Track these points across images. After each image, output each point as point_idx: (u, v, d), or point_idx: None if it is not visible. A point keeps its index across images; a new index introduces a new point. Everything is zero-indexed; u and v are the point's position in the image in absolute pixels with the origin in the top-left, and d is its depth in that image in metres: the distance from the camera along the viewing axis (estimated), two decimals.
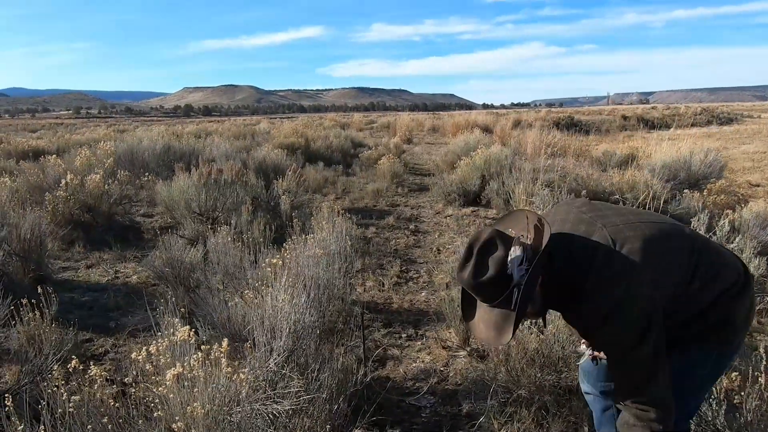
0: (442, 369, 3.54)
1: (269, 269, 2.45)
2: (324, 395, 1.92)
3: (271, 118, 50.51)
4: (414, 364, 3.60)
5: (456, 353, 3.70)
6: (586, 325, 1.74)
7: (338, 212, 4.51)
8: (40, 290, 2.76)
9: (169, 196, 6.31)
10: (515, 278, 1.60)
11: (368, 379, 2.49)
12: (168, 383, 1.59)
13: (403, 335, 4.05)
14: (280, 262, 2.43)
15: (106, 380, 3.13)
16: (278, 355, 1.92)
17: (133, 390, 1.86)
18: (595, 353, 2.03)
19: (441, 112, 68.78)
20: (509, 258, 1.59)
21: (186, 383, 1.61)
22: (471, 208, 8.37)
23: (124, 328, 3.97)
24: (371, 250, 6.06)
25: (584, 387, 2.31)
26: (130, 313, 4.27)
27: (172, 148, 10.62)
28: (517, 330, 1.78)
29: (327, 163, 12.05)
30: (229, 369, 1.68)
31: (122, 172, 7.33)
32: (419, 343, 3.94)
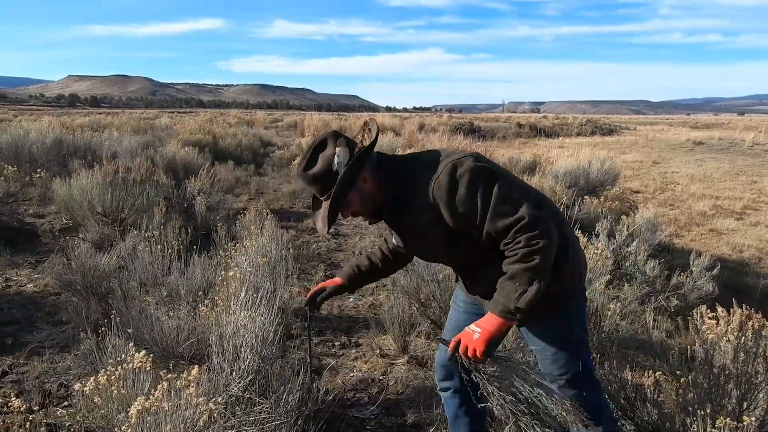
0: (381, 378, 3.47)
1: (224, 281, 2.24)
2: (291, 419, 1.78)
3: (169, 112, 47.99)
4: (351, 374, 3.50)
5: (394, 360, 3.66)
6: (435, 207, 1.79)
7: (266, 215, 4.31)
8: None
9: (69, 196, 5.74)
10: (339, 173, 1.81)
11: (330, 397, 2.36)
12: (131, 420, 1.38)
13: (337, 343, 3.94)
14: (238, 274, 2.23)
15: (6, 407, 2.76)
16: (241, 379, 1.76)
17: (75, 421, 1.62)
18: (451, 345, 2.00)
19: (346, 113, 68.86)
20: (335, 156, 1.81)
21: (150, 418, 1.41)
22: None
23: (25, 345, 3.52)
24: (294, 255, 5.88)
25: (441, 384, 2.36)
26: (32, 328, 3.80)
27: (64, 141, 9.72)
28: (335, 220, 1.91)
29: (237, 162, 11.59)
30: (200, 400, 1.50)
31: (8, 167, 6.57)
32: (354, 351, 3.85)
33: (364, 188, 1.89)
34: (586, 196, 8.95)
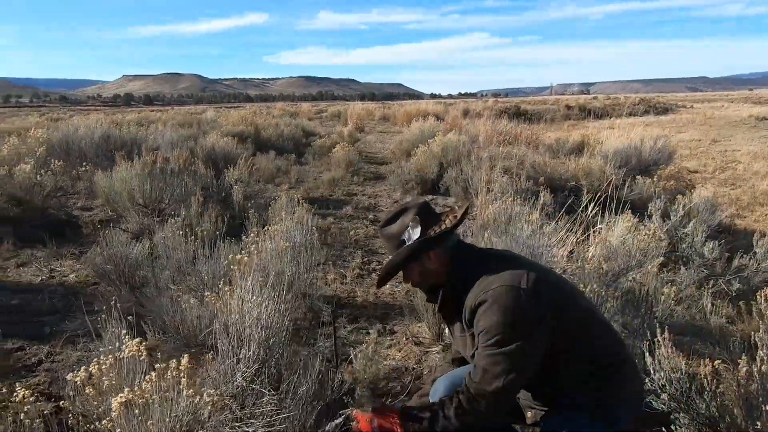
0: (415, 366, 3.33)
1: (233, 267, 2.15)
2: (300, 411, 1.67)
3: (216, 107, 49.12)
4: (385, 362, 3.37)
5: (429, 349, 3.51)
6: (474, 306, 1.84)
7: (298, 201, 4.21)
8: None
9: (110, 187, 5.83)
10: (406, 243, 1.93)
11: (346, 387, 2.23)
12: (114, 413, 1.30)
13: (371, 331, 3.82)
14: (246, 258, 2.14)
15: (41, 395, 2.77)
16: (247, 368, 1.65)
17: (70, 411, 1.55)
18: None
19: (390, 102, 68.60)
20: (408, 227, 1.93)
21: (137, 411, 1.33)
22: (430, 197, 8.20)
23: (62, 334, 3.55)
24: (330, 242, 5.79)
25: None
26: (69, 317, 3.84)
27: (111, 136, 9.94)
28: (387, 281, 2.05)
29: (278, 152, 11.60)
30: (191, 391, 1.40)
31: (56, 162, 6.74)
32: (389, 339, 3.72)
33: (428, 265, 1.96)
34: (638, 176, 8.49)
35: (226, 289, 1.94)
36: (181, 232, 3.50)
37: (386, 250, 2.11)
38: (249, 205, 5.46)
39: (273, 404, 1.57)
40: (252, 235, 3.09)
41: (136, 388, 1.34)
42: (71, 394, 1.55)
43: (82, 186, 7.77)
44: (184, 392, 1.39)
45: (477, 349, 1.85)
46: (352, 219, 6.95)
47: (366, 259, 5.39)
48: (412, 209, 1.99)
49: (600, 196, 4.84)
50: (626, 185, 7.76)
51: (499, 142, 10.97)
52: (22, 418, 1.52)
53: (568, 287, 1.98)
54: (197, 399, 1.41)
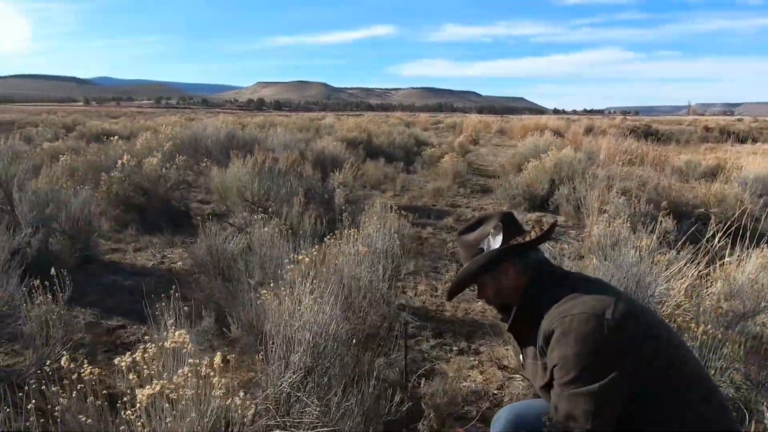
0: (495, 392, 3.11)
1: (292, 266, 2.11)
2: (347, 427, 1.57)
3: (338, 115, 50.93)
4: (464, 384, 3.19)
5: (513, 375, 3.26)
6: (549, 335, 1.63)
7: (391, 208, 4.15)
8: (53, 271, 2.54)
9: (222, 183, 6.16)
10: (480, 255, 1.78)
11: (405, 409, 2.10)
12: (141, 404, 1.28)
13: (454, 348, 3.65)
14: (306, 259, 2.09)
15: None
16: (293, 373, 1.59)
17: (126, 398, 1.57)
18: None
19: (510, 116, 67.24)
20: (488, 235, 1.79)
21: (167, 405, 1.30)
22: (537, 213, 7.82)
23: (156, 317, 3.76)
24: (425, 252, 5.67)
25: None
26: (167, 302, 4.07)
27: (235, 136, 10.61)
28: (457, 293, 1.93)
29: (388, 160, 11.71)
30: (221, 389, 1.36)
31: (180, 156, 7.26)
32: (471, 359, 3.53)
33: (503, 280, 1.80)
34: None
35: (284, 289, 1.89)
36: (277, 230, 3.57)
37: (462, 260, 1.89)
38: (347, 208, 5.50)
39: (316, 416, 1.49)
40: (332, 238, 3.06)
41: (165, 381, 1.33)
42: (118, 379, 1.58)
43: (203, 181, 8.32)
44: (216, 391, 1.35)
45: (550, 381, 1.64)
46: (451, 231, 6.78)
47: None
48: (495, 217, 1.85)
49: (732, 227, 4.28)
50: (766, 217, 6.87)
51: (622, 161, 10.24)
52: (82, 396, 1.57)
53: (664, 331, 1.69)
54: (229, 400, 1.37)
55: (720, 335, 2.55)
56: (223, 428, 1.34)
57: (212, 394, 1.36)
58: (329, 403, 1.59)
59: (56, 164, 5.95)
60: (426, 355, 3.53)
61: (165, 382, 1.33)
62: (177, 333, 1.48)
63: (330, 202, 6.47)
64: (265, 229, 3.45)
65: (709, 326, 2.53)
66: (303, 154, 8.01)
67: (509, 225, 1.82)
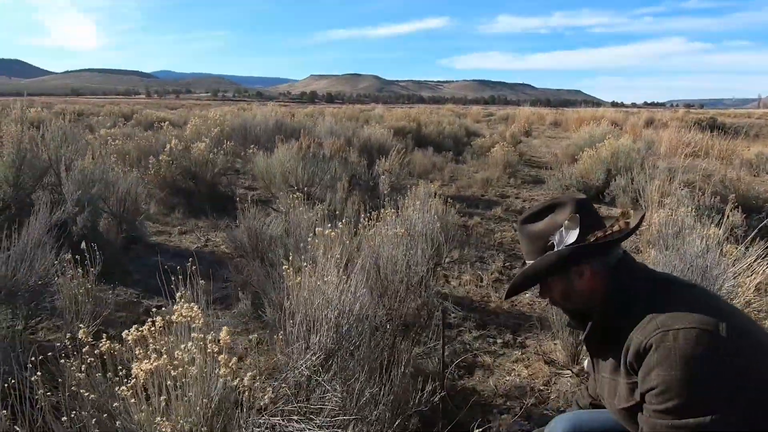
0: (542, 388, 2.91)
1: (315, 239, 1.97)
2: (373, 416, 1.42)
3: (389, 107, 50.95)
4: (508, 378, 3.00)
5: (560, 371, 3.05)
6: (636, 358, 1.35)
7: (435, 194, 3.98)
8: (83, 246, 2.51)
9: (267, 168, 6.13)
10: (553, 249, 1.48)
11: (437, 398, 1.94)
12: (138, 379, 1.18)
13: (499, 341, 3.46)
14: (333, 233, 1.95)
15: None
16: (313, 355, 1.46)
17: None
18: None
19: (565, 108, 65.20)
20: (560, 227, 1.48)
21: (169, 383, 1.20)
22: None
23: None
24: (471, 241, 5.47)
25: None
26: (206, 284, 4.05)
27: (284, 125, 10.64)
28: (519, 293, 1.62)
29: (437, 149, 11.49)
30: (227, 369, 1.24)
31: (228, 142, 7.30)
32: (517, 352, 3.33)
33: (576, 283, 1.51)
34: None
35: (306, 264, 1.76)
36: (305, 210, 3.47)
37: (524, 254, 1.60)
38: (392, 195, 5.36)
39: (336, 402, 1.36)
40: (368, 219, 2.92)
41: (165, 357, 1.22)
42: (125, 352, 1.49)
43: (250, 167, 8.37)
44: (221, 370, 1.23)
45: (637, 405, 1.37)
46: (500, 221, 6.55)
47: (508, 263, 4.99)
48: (569, 205, 1.52)
49: None
50: None
51: (684, 153, 9.68)
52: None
53: None
54: (237, 381, 1.26)
55: None
56: (233, 413, 1.23)
57: (218, 372, 1.25)
58: (352, 390, 1.45)
59: (105, 146, 6.06)
60: (468, 346, 3.36)
61: (165, 357, 1.23)
62: (185, 305, 1.36)
63: (375, 189, 6.35)
64: (303, 209, 3.35)
65: None
66: (349, 141, 7.91)
67: (586, 215, 1.51)
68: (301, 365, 1.43)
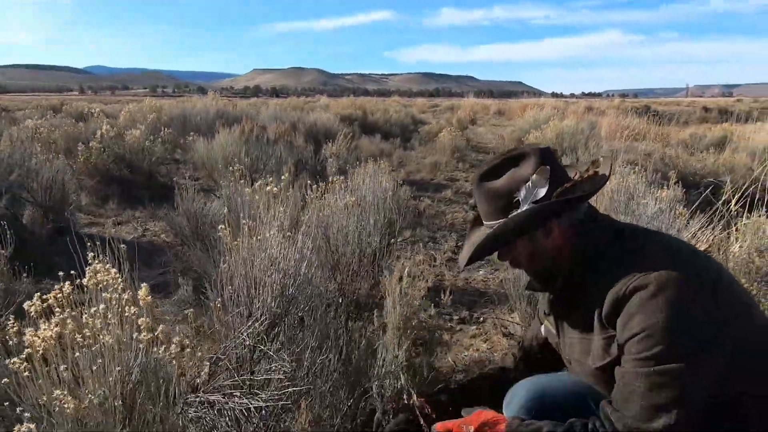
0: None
1: (257, 196, 1.80)
2: (327, 388, 1.27)
3: (336, 99, 50.48)
4: (466, 353, 2.92)
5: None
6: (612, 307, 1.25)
7: (385, 168, 3.86)
8: None
9: (208, 154, 5.84)
10: (520, 207, 1.33)
11: (393, 370, 1.80)
12: (34, 349, 0.98)
13: (455, 317, 3.37)
14: (275, 189, 1.77)
15: None
16: (256, 322, 1.28)
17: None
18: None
19: (508, 99, 66.56)
20: (527, 184, 1.32)
21: (77, 353, 1.00)
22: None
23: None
24: (424, 222, 5.39)
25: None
26: (143, 272, 3.78)
27: (226, 113, 10.26)
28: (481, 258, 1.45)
29: (384, 137, 11.36)
30: (148, 334, 1.06)
31: (166, 129, 6.92)
32: (474, 327, 3.25)
33: (544, 243, 1.38)
34: None
35: (245, 222, 1.58)
36: (251, 191, 3.27)
37: (482, 214, 1.42)
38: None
39: (285, 372, 1.19)
40: (315, 191, 2.75)
41: (70, 322, 1.02)
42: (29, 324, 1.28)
43: (191, 156, 8.01)
44: (141, 335, 1.05)
45: (615, 360, 1.28)
46: (450, 203, 6.50)
47: (460, 243, 4.92)
48: (533, 156, 1.35)
49: (745, 192, 4.00)
50: None
51: (624, 137, 9.97)
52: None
53: (746, 297, 1.33)
54: (162, 348, 1.08)
55: (756, 292, 2.27)
56: (161, 389, 1.05)
57: (137, 337, 1.06)
58: (302, 360, 1.28)
59: (21, 128, 5.61)
60: (424, 324, 3.25)
61: (71, 323, 1.03)
62: (97, 265, 1.15)
63: (322, 173, 6.16)
64: (243, 182, 3.15)
65: (743, 281, 2.25)
66: (294, 126, 7.68)
67: (554, 167, 1.36)
68: (243, 334, 1.26)
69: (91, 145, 5.62)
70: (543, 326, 1.65)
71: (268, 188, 1.75)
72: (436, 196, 6.78)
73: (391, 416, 1.87)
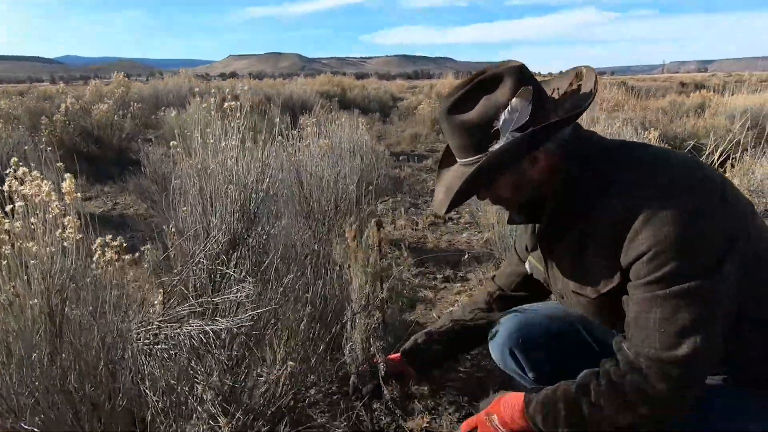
0: None
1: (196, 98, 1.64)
2: (298, 313, 1.13)
3: (312, 78, 49.92)
4: (450, 309, 2.81)
5: None
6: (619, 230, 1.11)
7: (362, 122, 3.72)
8: None
9: (181, 124, 5.63)
10: (500, 138, 1.15)
11: (386, 292, 1.67)
12: None
13: (439, 276, 3.27)
14: (233, 103, 1.63)
15: None
16: (215, 242, 1.14)
17: None
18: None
19: None
20: (506, 110, 1.13)
21: None
22: None
23: None
24: (405, 190, 5.27)
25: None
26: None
27: (198, 90, 9.98)
28: (462, 202, 1.26)
29: (363, 112, 11.19)
30: (75, 232, 0.91)
31: (136, 104, 6.67)
32: (458, 285, 3.15)
33: (529, 173, 1.22)
34: None
35: (198, 135, 1.44)
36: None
37: (455, 150, 1.25)
38: None
39: (248, 294, 1.05)
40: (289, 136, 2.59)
41: None
42: None
43: (162, 132, 7.77)
44: (66, 232, 0.90)
45: (617, 290, 1.15)
46: (431, 171, 6.39)
47: None
48: (508, 77, 1.16)
49: (725, 153, 3.97)
50: (759, 149, 6.59)
51: (602, 108, 9.94)
52: None
53: (751, 209, 1.19)
54: (94, 258, 0.94)
55: None
56: (98, 307, 0.91)
57: (62, 235, 0.91)
58: (268, 281, 1.14)
59: None
60: (408, 282, 3.15)
61: None
62: (32, 180, 0.98)
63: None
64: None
65: None
66: (269, 98, 7.46)
67: (534, 86, 1.17)
68: (199, 254, 1.12)
69: (55, 118, 5.37)
70: (527, 263, 1.52)
71: (226, 104, 1.59)
72: (417, 165, 6.66)
73: (367, 379, 1.78)
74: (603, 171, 1.18)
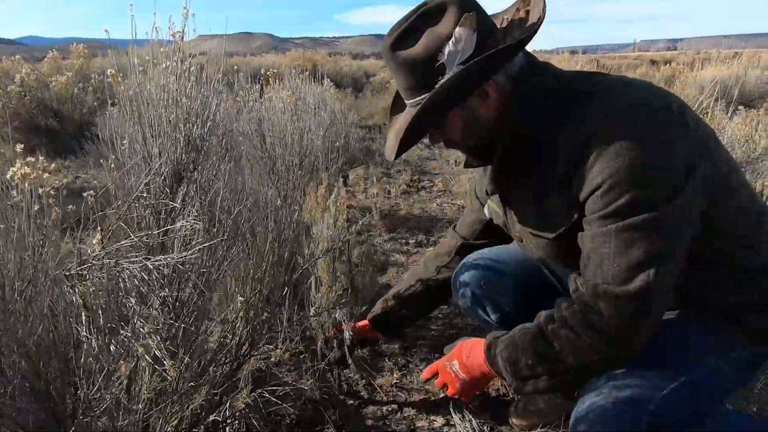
0: None
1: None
2: (263, 248, 1.03)
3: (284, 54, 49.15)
4: (415, 265, 2.77)
5: None
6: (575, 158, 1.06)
7: (329, 84, 3.61)
8: None
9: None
10: (446, 71, 1.08)
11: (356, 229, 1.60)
12: None
13: (411, 241, 3.21)
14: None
15: None
16: (156, 174, 1.03)
17: None
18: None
19: None
20: (451, 41, 1.06)
21: None
22: None
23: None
24: (377, 160, 5.18)
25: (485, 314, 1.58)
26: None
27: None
28: (413, 144, 1.21)
29: (337, 87, 11.00)
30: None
31: (97, 77, 6.40)
32: (431, 249, 3.10)
33: (480, 109, 1.15)
34: (740, 107, 7.31)
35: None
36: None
37: (401, 90, 1.18)
38: None
39: (196, 230, 0.97)
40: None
41: None
42: None
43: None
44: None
45: (575, 227, 1.09)
46: None
47: (416, 177, 4.75)
48: (451, 7, 1.08)
49: None
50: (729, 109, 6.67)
51: None
52: None
53: (714, 136, 1.14)
54: (8, 175, 0.86)
55: None
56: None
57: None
58: (215, 216, 1.03)
59: None
60: (380, 248, 3.08)
61: None
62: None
63: None
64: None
65: None
66: (237, 69, 7.24)
67: (479, 14, 1.10)
68: (140, 186, 1.03)
69: (9, 89, 5.11)
70: (486, 207, 1.46)
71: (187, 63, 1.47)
72: None
73: (334, 345, 1.73)
74: (557, 105, 1.11)
